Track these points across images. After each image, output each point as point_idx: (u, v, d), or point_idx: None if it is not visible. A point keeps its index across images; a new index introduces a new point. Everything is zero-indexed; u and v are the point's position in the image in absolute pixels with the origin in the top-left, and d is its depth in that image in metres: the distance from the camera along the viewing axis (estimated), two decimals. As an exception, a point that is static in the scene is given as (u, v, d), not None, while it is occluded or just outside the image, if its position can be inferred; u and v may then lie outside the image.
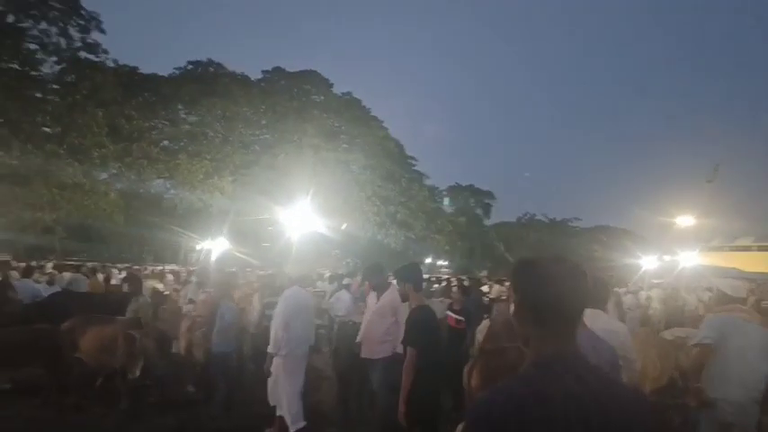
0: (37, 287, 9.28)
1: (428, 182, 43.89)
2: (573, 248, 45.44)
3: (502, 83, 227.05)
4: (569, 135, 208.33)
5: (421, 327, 4.02)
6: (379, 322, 5.08)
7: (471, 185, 53.68)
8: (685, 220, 26.73)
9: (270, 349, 5.28)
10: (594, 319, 2.92)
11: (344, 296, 8.95)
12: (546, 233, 47.60)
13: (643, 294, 13.75)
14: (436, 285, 18.80)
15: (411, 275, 4.32)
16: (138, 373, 6.37)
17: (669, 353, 6.10)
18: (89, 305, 8.05)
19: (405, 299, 4.37)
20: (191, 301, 8.12)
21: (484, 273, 53.21)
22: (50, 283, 10.83)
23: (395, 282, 4.71)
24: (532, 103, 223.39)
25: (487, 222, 53.98)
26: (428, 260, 43.56)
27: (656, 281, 19.10)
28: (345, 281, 13.45)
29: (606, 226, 52.45)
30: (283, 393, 5.29)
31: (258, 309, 7.80)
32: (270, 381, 5.41)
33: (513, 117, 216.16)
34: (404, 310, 4.65)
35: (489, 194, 54.18)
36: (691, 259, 22.05)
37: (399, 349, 4.44)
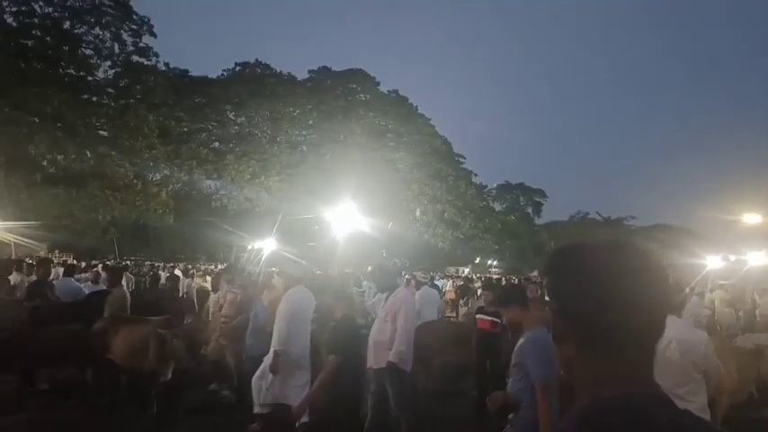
0: (79, 286, 9.19)
1: (476, 180, 43.13)
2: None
3: (552, 76, 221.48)
4: (624, 129, 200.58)
5: (344, 335, 4.03)
6: (385, 328, 4.81)
7: (521, 183, 52.44)
8: (752, 218, 24.96)
9: (276, 346, 5.15)
10: (669, 327, 2.42)
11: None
12: (600, 232, 45.67)
13: (708, 296, 12.63)
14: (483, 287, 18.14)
15: (332, 286, 4.69)
16: (169, 375, 6.12)
17: (749, 364, 5.34)
18: (126, 305, 7.92)
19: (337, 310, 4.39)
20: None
21: (535, 273, 51.88)
22: (95, 281, 10.81)
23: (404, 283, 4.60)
24: (584, 96, 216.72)
25: (538, 221, 52.63)
26: (477, 259, 42.63)
27: (721, 282, 17.80)
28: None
29: (665, 224, 50.08)
30: (288, 390, 5.20)
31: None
32: (260, 380, 5.32)
33: (564, 112, 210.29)
34: (405, 316, 4.67)
35: (540, 192, 52.77)
36: (760, 259, 20.47)
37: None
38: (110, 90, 24.32)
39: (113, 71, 24.65)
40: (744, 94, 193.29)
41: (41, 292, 7.81)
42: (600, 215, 50.18)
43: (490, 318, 5.92)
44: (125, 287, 7.22)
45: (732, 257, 25.72)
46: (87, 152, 21.16)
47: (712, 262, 23.17)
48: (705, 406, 2.78)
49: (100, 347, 6.56)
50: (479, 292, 15.06)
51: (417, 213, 31.66)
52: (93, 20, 23.36)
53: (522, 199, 52.25)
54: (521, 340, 3.06)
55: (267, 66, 34.04)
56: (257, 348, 5.82)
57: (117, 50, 24.30)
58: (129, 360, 6.43)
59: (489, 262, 43.60)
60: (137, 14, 24.55)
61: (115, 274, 7.01)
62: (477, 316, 6.20)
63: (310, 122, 32.93)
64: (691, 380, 2.73)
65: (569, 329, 0.81)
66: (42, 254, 39.65)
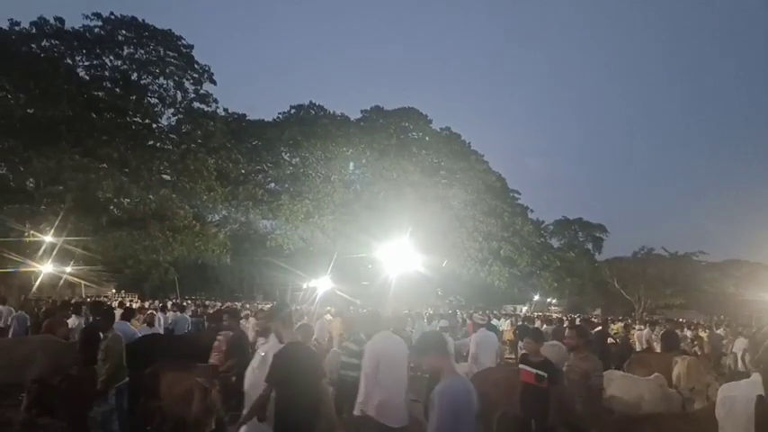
0: (132, 330, 9.26)
1: (533, 216, 42.19)
2: (699, 284, 40.56)
3: (607, 107, 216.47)
4: (688, 161, 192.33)
5: (282, 364, 3.88)
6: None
7: (580, 219, 50.88)
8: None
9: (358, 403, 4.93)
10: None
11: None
12: (667, 268, 42.92)
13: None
14: (545, 326, 17.07)
15: (278, 313, 4.39)
16: (213, 426, 5.89)
17: None
18: (172, 349, 7.87)
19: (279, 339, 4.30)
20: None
21: (597, 311, 49.50)
22: (150, 324, 10.92)
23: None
24: (646, 126, 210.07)
25: (599, 257, 50.56)
26: (536, 297, 41.20)
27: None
28: (442, 323, 12.28)
29: (739, 259, 46.85)
30: None
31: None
32: None
33: (624, 143, 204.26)
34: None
35: (600, 228, 51.02)
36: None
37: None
38: (172, 136, 25.34)
39: (176, 118, 25.74)
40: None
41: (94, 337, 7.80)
42: (666, 250, 47.38)
43: (535, 370, 5.17)
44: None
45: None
46: (150, 196, 21.91)
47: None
48: None
49: (148, 393, 6.47)
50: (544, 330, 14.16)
51: (472, 251, 30.92)
52: (158, 70, 24.57)
53: (581, 235, 50.66)
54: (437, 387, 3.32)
55: (321, 107, 34.79)
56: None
57: (180, 98, 25.40)
58: (174, 408, 6.29)
59: (548, 300, 42.06)
60: (198, 64, 25.69)
61: (106, 315, 6.72)
62: (520, 366, 5.48)
63: (363, 161, 33.14)
64: None
65: None
66: (110, 293, 41.35)
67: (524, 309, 40.38)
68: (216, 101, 26.64)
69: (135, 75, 24.39)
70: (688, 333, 19.66)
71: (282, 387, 3.89)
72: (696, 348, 15.48)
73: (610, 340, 12.23)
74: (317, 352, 6.00)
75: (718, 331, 20.03)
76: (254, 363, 4.51)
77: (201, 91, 26.01)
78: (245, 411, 4.16)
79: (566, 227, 50.46)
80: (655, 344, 14.09)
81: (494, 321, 20.44)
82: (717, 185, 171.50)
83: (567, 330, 6.95)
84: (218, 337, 5.96)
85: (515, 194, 40.07)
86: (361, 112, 35.66)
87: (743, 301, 34.20)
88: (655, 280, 40.13)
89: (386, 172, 31.84)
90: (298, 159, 33.30)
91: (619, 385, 6.77)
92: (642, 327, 20.86)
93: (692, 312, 45.10)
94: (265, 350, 4.45)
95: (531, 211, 41.69)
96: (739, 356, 14.81)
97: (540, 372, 5.07)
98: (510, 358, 16.58)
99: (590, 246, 51.27)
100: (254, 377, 4.35)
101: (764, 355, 2.75)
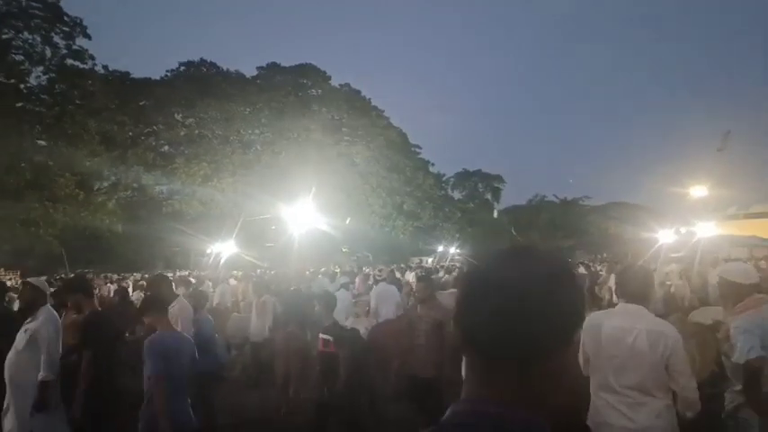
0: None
1: (434, 169, 43.06)
2: (586, 227, 44.29)
3: (501, 60, 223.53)
4: (575, 110, 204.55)
5: (94, 330, 3.99)
6: None
7: (479, 170, 52.70)
8: (699, 191, 25.92)
9: None
10: (637, 318, 2.74)
11: (342, 296, 7.94)
12: (558, 213, 46.33)
13: (661, 271, 12.70)
14: (446, 275, 17.66)
15: (80, 286, 4.51)
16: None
17: (709, 342, 5.15)
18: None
19: (79, 310, 4.33)
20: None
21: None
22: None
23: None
24: (535, 79, 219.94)
25: (498, 207, 53.06)
26: (440, 248, 42.70)
27: (674, 254, 18.17)
28: (342, 279, 12.31)
29: (619, 202, 51.24)
30: None
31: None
32: None
33: (517, 96, 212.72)
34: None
35: (498, 178, 53.17)
36: (708, 230, 21.04)
37: None
38: (44, 96, 22.94)
39: (47, 77, 23.25)
40: (688, 70, 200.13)
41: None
42: (556, 197, 50.97)
43: (324, 336, 4.76)
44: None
45: (683, 230, 26.51)
46: (23, 164, 19.88)
47: (665, 236, 23.74)
48: (671, 403, 2.73)
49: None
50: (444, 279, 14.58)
51: (376, 207, 31.33)
52: (21, 24, 21.94)
53: (480, 186, 52.55)
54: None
55: (213, 64, 33.02)
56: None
57: (49, 55, 22.90)
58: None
59: (452, 251, 43.81)
60: (68, 16, 23.14)
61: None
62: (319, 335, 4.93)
63: (263, 121, 32.11)
64: (659, 375, 2.68)
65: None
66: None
67: (430, 260, 41.82)
68: (93, 57, 24.36)
69: (-7, 29, 21.65)
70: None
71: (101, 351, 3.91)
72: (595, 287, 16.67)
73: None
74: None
75: (598, 268, 21.84)
76: (19, 343, 3.85)
77: (74, 46, 23.60)
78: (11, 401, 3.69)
79: (466, 179, 52.06)
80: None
81: (398, 275, 20.90)
82: (601, 132, 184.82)
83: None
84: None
85: (417, 149, 40.68)
86: (258, 69, 34.34)
87: (623, 239, 37.51)
88: (547, 225, 43.18)
89: (286, 131, 31.11)
90: (192, 120, 31.62)
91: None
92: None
93: (580, 253, 49.01)
94: (30, 327, 3.84)
95: (433, 164, 42.32)
96: (614, 290, 16.28)
97: (326, 337, 4.74)
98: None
99: (489, 196, 53.39)
100: (18, 359, 3.76)
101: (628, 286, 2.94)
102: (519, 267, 0.77)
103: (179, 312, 5.16)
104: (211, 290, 13.96)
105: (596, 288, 18.17)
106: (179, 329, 4.34)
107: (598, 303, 14.35)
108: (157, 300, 3.89)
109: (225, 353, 7.05)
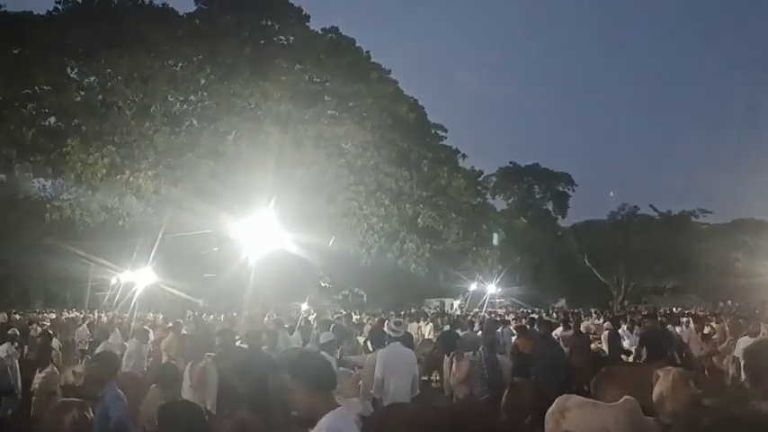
0: None
1: (466, 163, 42.64)
2: (701, 257, 43.70)
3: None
4: (683, 96, 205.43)
5: None
6: None
7: (535, 165, 52.77)
8: None
9: None
10: None
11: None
12: (657, 234, 45.71)
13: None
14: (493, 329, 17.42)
15: None
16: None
17: None
18: None
19: None
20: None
21: (561, 302, 52.14)
22: None
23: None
24: (621, 37, 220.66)
25: (563, 223, 53.01)
26: (473, 287, 42.31)
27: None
28: (324, 336, 12.01)
29: (749, 219, 51.08)
30: None
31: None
32: None
33: (597, 58, 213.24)
34: None
35: (564, 178, 53.20)
36: None
37: None
38: None
39: None
40: None
41: None
42: (655, 209, 50.59)
43: None
44: None
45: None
46: None
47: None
48: None
49: None
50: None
51: (374, 221, 31.15)
52: None
53: (537, 189, 52.63)
54: None
55: (127, -6, 33.17)
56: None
57: None
58: None
59: (490, 290, 43.56)
60: None
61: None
62: None
63: (202, 83, 32.03)
64: None
65: None
66: None
67: (456, 304, 41.65)
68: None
69: None
70: (685, 330, 19.91)
71: None
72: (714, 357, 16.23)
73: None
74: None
75: (717, 326, 21.47)
76: None
77: None
78: None
79: (515, 178, 51.90)
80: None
81: (410, 327, 20.66)
82: (723, 122, 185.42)
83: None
84: None
85: (440, 131, 40.19)
86: (196, 2, 34.38)
87: (760, 278, 36.37)
88: (640, 253, 42.77)
89: (238, 100, 30.88)
90: (93, 79, 31.60)
91: (576, 417, 6.98)
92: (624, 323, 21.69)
93: (691, 298, 48.48)
94: None
95: (464, 156, 41.72)
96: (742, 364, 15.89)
97: None
98: (431, 381, 16.97)
99: (550, 205, 53.44)
100: None
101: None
102: None
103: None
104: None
105: (714, 358, 17.91)
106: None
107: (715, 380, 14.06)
108: None
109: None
